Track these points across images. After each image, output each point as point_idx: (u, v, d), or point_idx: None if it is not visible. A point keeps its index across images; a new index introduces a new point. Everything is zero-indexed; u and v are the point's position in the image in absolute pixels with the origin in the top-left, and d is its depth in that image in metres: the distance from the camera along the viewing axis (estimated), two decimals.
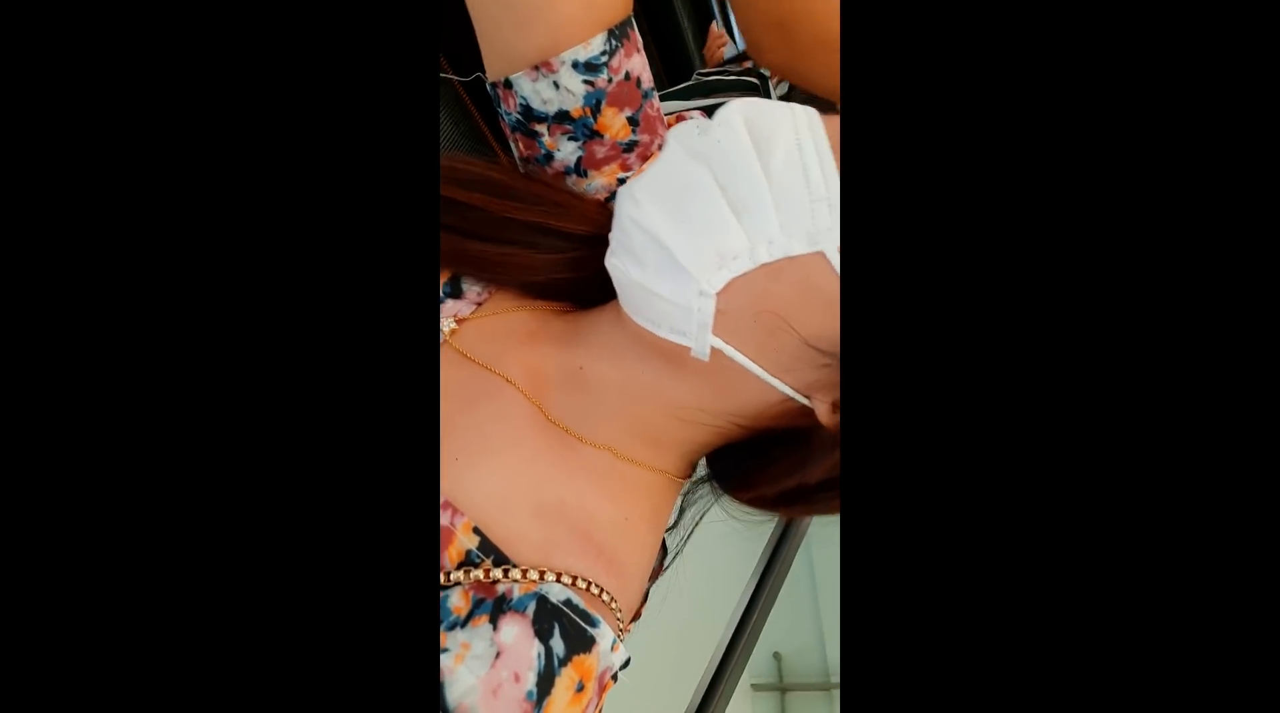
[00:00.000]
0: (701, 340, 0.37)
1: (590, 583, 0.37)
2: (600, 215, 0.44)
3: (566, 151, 0.46)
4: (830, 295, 0.35)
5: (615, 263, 0.40)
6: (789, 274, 0.35)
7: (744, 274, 0.35)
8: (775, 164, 0.35)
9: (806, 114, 0.37)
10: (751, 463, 0.43)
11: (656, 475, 0.42)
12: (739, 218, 0.35)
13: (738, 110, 0.38)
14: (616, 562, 0.39)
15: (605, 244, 0.42)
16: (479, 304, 0.46)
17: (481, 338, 0.44)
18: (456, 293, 0.46)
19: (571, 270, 0.45)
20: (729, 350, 0.37)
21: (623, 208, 0.39)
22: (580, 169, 0.48)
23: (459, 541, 0.37)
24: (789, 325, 0.36)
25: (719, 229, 0.35)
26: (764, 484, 0.42)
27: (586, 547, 0.38)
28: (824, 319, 0.36)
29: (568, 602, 0.36)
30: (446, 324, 0.44)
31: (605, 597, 0.38)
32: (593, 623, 0.36)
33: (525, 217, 0.44)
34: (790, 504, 0.43)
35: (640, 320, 0.40)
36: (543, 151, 0.46)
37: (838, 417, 0.37)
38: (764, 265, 0.35)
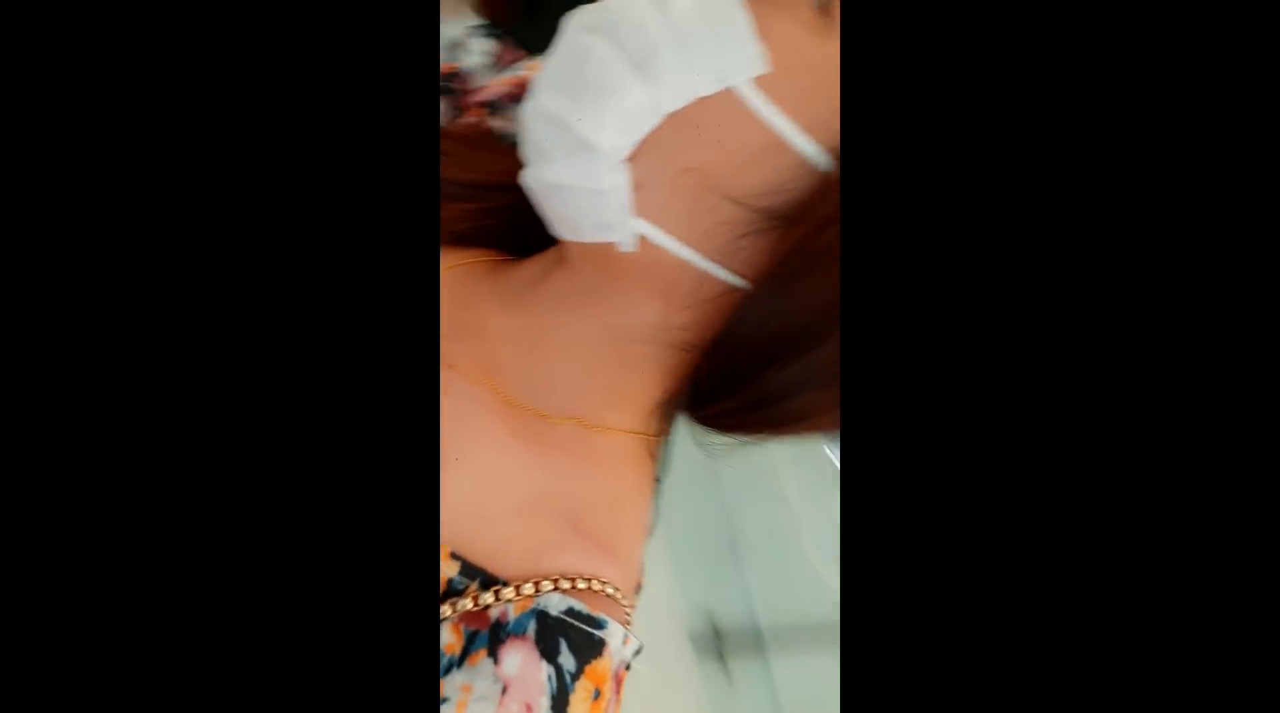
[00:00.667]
0: (624, 226, 0.32)
1: (591, 580, 0.34)
2: (506, 163, 0.38)
3: None
4: (752, 141, 0.31)
5: (528, 174, 0.34)
6: (701, 122, 0.31)
7: (653, 132, 0.31)
8: (675, 9, 0.30)
9: None
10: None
11: (631, 439, 0.38)
12: (639, 72, 0.30)
13: None
14: (611, 546, 0.36)
15: (515, 190, 0.36)
16: None
17: None
18: None
19: (492, 217, 0.39)
20: (655, 233, 0.32)
21: (524, 110, 0.33)
22: None
23: None
24: (710, 181, 0.31)
25: (617, 89, 0.30)
26: (705, 399, 0.37)
27: (578, 538, 0.35)
28: (750, 169, 0.31)
29: (569, 610, 0.32)
30: None
31: (609, 589, 0.34)
32: (600, 625, 0.33)
33: None
34: (728, 422, 0.38)
35: (566, 234, 0.35)
36: None
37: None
38: (671, 116, 0.31)
